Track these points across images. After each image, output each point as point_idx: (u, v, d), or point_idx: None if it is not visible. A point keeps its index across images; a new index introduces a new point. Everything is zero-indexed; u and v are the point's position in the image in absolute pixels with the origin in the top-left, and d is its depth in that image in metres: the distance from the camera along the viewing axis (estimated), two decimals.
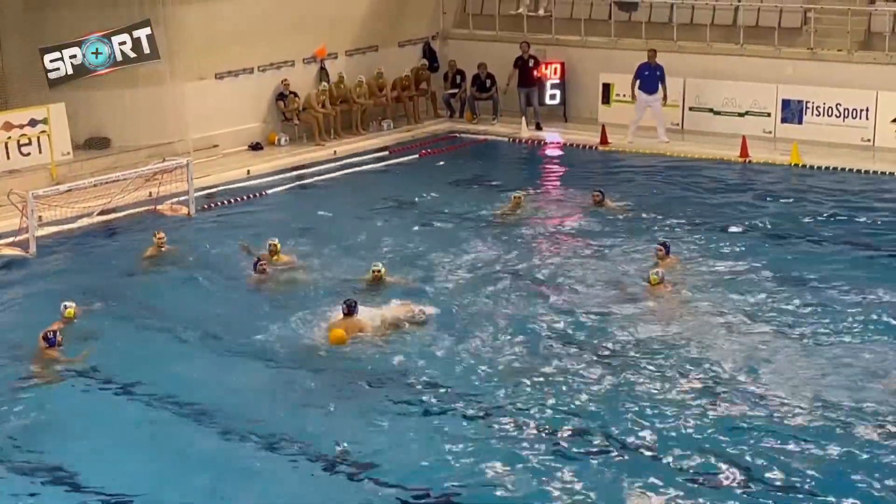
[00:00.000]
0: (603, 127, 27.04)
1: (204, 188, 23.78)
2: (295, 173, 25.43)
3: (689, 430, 13.88)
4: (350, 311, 16.64)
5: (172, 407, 14.87)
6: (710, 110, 26.98)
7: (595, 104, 28.38)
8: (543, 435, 13.92)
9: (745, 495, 12.58)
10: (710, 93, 26.92)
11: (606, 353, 16.05)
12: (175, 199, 22.88)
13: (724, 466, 13.08)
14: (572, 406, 14.59)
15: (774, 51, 26.51)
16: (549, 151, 27.22)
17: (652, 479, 12.85)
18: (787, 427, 13.88)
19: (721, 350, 15.97)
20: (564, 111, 28.86)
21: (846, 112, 25.45)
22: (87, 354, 16.19)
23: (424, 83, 29.52)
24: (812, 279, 18.31)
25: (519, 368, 15.66)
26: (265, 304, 18.07)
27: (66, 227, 21.73)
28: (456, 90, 29.39)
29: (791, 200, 22.63)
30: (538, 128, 28.08)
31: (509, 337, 16.58)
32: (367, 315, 16.86)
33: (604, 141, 26.78)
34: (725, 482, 12.82)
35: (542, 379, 15.30)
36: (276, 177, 25.12)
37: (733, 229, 20.92)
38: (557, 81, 28.66)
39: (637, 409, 14.41)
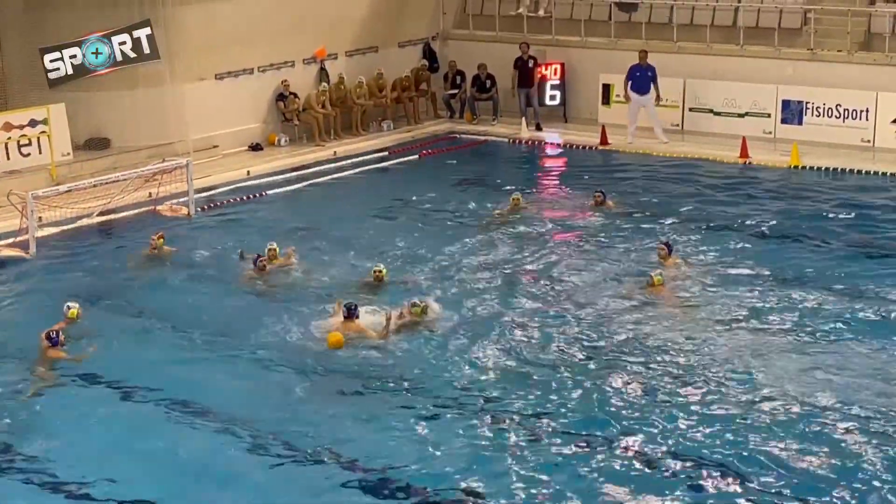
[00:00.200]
0: (603, 127, 27.04)
1: (204, 189, 23.77)
2: (295, 174, 25.42)
3: (690, 430, 13.88)
4: (350, 314, 16.63)
5: (171, 407, 14.87)
6: (710, 111, 26.98)
7: (595, 105, 28.39)
8: (543, 435, 13.91)
9: (744, 495, 12.58)
10: (710, 93, 26.92)
11: (606, 353, 16.05)
12: (175, 200, 22.88)
13: (722, 466, 13.08)
14: (572, 406, 14.59)
15: (774, 51, 26.52)
16: (549, 152, 27.22)
17: (651, 479, 12.87)
18: (785, 427, 13.88)
19: (720, 350, 15.97)
20: (564, 112, 28.86)
21: (846, 113, 25.45)
22: (88, 356, 16.18)
23: (424, 84, 29.52)
24: (812, 280, 18.31)
25: (519, 369, 15.66)
26: (264, 306, 18.06)
27: (65, 227, 21.72)
28: (456, 91, 29.39)
29: (791, 201, 22.62)
30: (538, 128, 28.08)
31: (509, 337, 16.57)
32: (368, 317, 16.85)
33: (604, 141, 26.78)
34: (725, 482, 12.82)
35: (541, 379, 15.30)
36: (275, 177, 25.10)
37: (733, 230, 20.91)
38: (557, 82, 28.66)
39: (637, 409, 14.42)
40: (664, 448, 13.52)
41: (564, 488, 12.80)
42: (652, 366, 15.58)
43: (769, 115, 26.29)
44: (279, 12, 27.21)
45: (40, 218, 21.21)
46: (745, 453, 13.33)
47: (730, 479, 12.87)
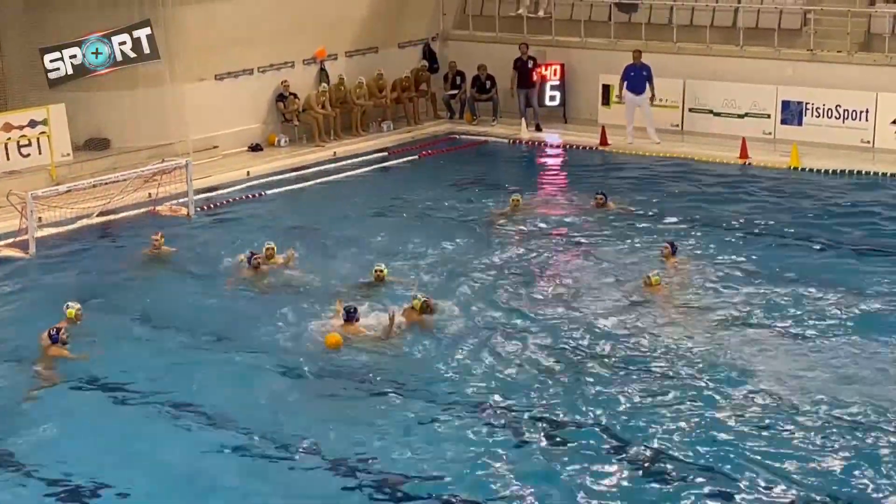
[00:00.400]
0: (602, 128, 27.05)
1: (204, 189, 23.77)
2: (295, 174, 25.43)
3: (688, 431, 13.88)
4: (349, 317, 16.64)
5: (170, 407, 14.87)
6: (710, 111, 26.98)
7: (595, 105, 28.40)
8: (542, 435, 13.92)
9: (741, 495, 12.59)
10: (709, 94, 26.93)
11: (605, 353, 16.05)
12: (175, 201, 22.88)
13: (721, 466, 13.10)
14: (571, 406, 14.58)
15: (774, 52, 26.52)
16: (549, 152, 27.22)
17: (650, 479, 12.87)
18: (783, 427, 13.88)
19: (719, 350, 15.97)
20: (564, 112, 28.87)
21: (846, 113, 25.45)
22: (87, 356, 16.18)
23: (424, 84, 29.53)
24: (811, 281, 18.29)
25: (518, 369, 15.65)
26: (264, 306, 18.05)
27: (65, 228, 21.72)
28: (456, 91, 29.40)
29: (790, 202, 22.61)
30: (538, 129, 28.08)
31: (508, 338, 16.57)
32: (369, 318, 16.86)
33: (603, 142, 26.79)
34: (723, 482, 12.83)
35: (541, 379, 15.31)
36: (275, 178, 25.11)
37: (733, 230, 20.92)
38: (557, 83, 28.67)
39: (636, 409, 14.42)
40: (662, 448, 13.52)
41: (564, 488, 12.80)
42: (650, 366, 15.58)
43: (769, 116, 26.30)
44: (279, 13, 27.22)
45: (40, 218, 21.22)
46: (743, 453, 13.33)
47: (728, 479, 12.88)
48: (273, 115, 27.52)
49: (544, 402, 14.73)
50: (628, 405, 14.55)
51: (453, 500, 12.66)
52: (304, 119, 27.53)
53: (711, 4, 27.61)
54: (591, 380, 15.27)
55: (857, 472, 12.92)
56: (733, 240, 20.38)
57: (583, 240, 20.72)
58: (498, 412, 14.48)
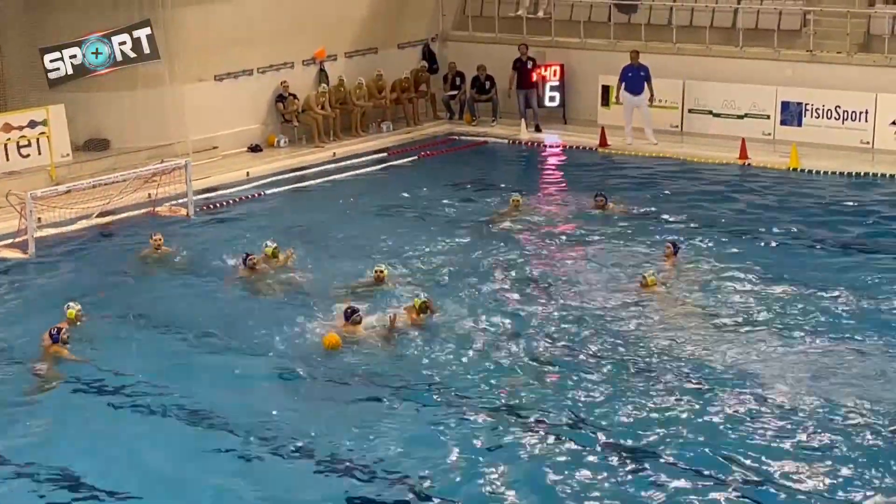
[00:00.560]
0: (602, 129, 27.05)
1: (203, 190, 23.77)
2: (294, 175, 25.42)
3: (686, 431, 13.90)
4: (347, 318, 16.63)
5: (170, 408, 14.88)
6: (710, 112, 26.98)
7: (594, 106, 28.38)
8: (540, 435, 13.92)
9: (738, 494, 12.59)
10: (709, 95, 26.92)
11: (604, 353, 16.06)
12: (174, 202, 22.87)
13: (717, 466, 13.11)
14: (569, 406, 14.60)
15: (774, 53, 26.52)
16: (549, 153, 27.22)
17: (648, 478, 12.88)
18: (780, 427, 13.90)
19: (717, 351, 15.98)
20: (564, 113, 28.86)
21: (845, 114, 25.44)
22: (88, 360, 16.18)
23: (424, 85, 29.52)
24: (810, 281, 18.29)
25: (517, 369, 15.66)
26: (263, 306, 18.07)
27: (64, 228, 21.71)
28: (455, 92, 29.39)
29: (790, 203, 22.61)
30: (537, 130, 28.08)
31: (508, 338, 16.59)
32: (367, 318, 16.87)
33: (603, 143, 26.79)
34: (719, 482, 12.83)
35: (540, 380, 15.33)
36: (275, 178, 25.11)
37: (732, 231, 20.91)
38: (557, 83, 28.66)
39: (633, 409, 14.43)
40: (660, 447, 13.53)
41: (563, 488, 12.81)
42: (649, 366, 15.59)
43: (768, 117, 26.29)
44: (279, 13, 27.22)
45: (39, 219, 21.23)
46: (741, 453, 13.34)
47: (725, 479, 12.89)
48: (272, 116, 27.52)
49: (542, 401, 14.73)
50: (626, 405, 14.54)
51: (452, 499, 12.67)
52: (304, 120, 27.53)
53: (711, 5, 27.62)
54: (590, 380, 15.27)
55: (856, 474, 12.93)
56: (733, 240, 20.38)
57: (582, 240, 20.73)
58: (496, 411, 14.51)
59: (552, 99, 28.73)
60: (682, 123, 27.31)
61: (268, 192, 24.27)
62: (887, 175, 23.78)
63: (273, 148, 27.21)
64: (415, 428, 14.22)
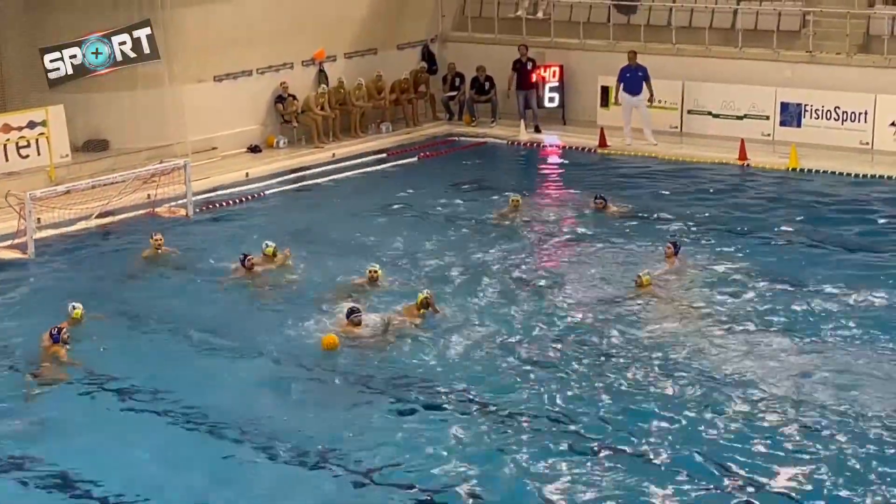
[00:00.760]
0: (601, 129, 27.04)
1: (203, 191, 23.76)
2: (293, 176, 25.42)
3: (683, 431, 13.92)
4: (349, 318, 16.64)
5: (169, 408, 14.89)
6: (709, 113, 26.97)
7: (594, 107, 28.38)
8: (538, 435, 13.93)
9: (735, 494, 12.60)
10: (708, 96, 26.92)
11: (602, 354, 16.09)
12: (173, 203, 22.87)
13: (713, 466, 13.13)
14: (568, 406, 14.61)
15: (773, 54, 26.52)
16: (548, 154, 27.21)
17: (645, 479, 12.89)
18: (776, 427, 13.93)
19: (716, 351, 16.00)
20: (563, 114, 28.85)
21: (845, 115, 25.44)
22: (80, 364, 16.18)
23: (423, 86, 29.51)
24: (809, 282, 18.32)
25: (515, 370, 15.66)
26: (262, 307, 18.09)
27: (64, 229, 21.70)
28: (455, 93, 29.38)
29: (789, 203, 22.61)
30: (537, 130, 28.07)
31: (506, 339, 16.60)
32: (367, 319, 16.87)
33: (602, 143, 26.79)
34: (715, 482, 12.84)
35: (538, 380, 15.34)
36: (274, 179, 25.10)
37: (731, 232, 20.92)
38: (556, 84, 28.66)
39: (631, 409, 14.47)
40: (656, 447, 13.54)
41: (561, 487, 12.81)
42: (646, 366, 15.61)
43: (768, 118, 26.29)
44: (278, 14, 27.21)
45: (39, 219, 21.24)
46: (738, 454, 13.36)
47: (721, 478, 12.90)
48: (272, 117, 27.50)
49: (540, 401, 14.75)
50: (625, 406, 14.58)
51: (450, 499, 12.67)
52: (303, 120, 27.53)
53: (710, 6, 27.62)
54: (588, 381, 15.29)
55: (855, 474, 12.93)
56: (732, 241, 20.38)
57: (581, 241, 20.74)
58: (495, 412, 14.50)
59: (551, 100, 28.71)
60: (681, 124, 27.30)
61: (267, 192, 24.26)
62: (886, 176, 23.77)
63: (272, 149, 27.20)
64: (413, 429, 14.21)
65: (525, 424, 14.20)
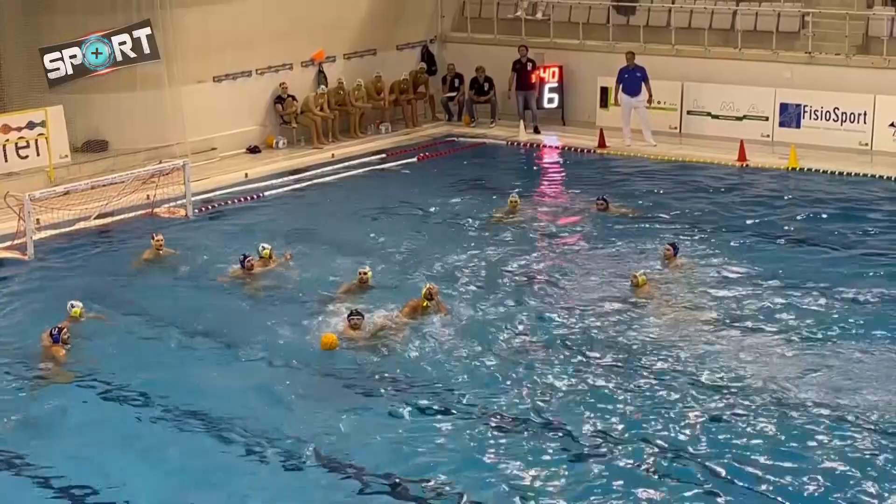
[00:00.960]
0: (601, 130, 27.04)
1: (202, 191, 23.75)
2: (293, 176, 25.42)
3: (680, 431, 13.92)
4: (350, 319, 16.64)
5: (169, 408, 14.90)
6: (708, 114, 26.98)
7: (593, 107, 28.40)
8: (536, 435, 13.94)
9: (731, 494, 12.60)
10: (707, 96, 26.93)
11: (600, 354, 16.08)
12: (173, 203, 22.87)
13: (710, 466, 13.14)
14: (566, 406, 14.62)
15: (772, 55, 26.53)
16: (547, 155, 27.22)
17: (642, 479, 12.91)
18: (774, 426, 13.94)
19: (715, 351, 16.01)
20: (562, 114, 28.86)
21: (844, 116, 25.45)
22: (81, 365, 16.20)
23: (422, 86, 29.51)
24: (809, 282, 18.31)
25: (513, 371, 15.66)
26: (261, 308, 18.09)
27: (63, 229, 21.70)
28: (454, 93, 29.38)
29: (789, 204, 22.63)
30: (536, 131, 28.07)
31: (505, 339, 16.61)
32: (367, 320, 16.88)
33: (602, 144, 26.79)
34: (714, 481, 12.87)
35: (537, 380, 15.34)
36: (273, 180, 25.10)
37: (730, 233, 20.92)
38: (555, 85, 28.67)
39: (630, 410, 14.47)
40: (653, 447, 13.55)
41: (560, 486, 12.81)
42: (645, 366, 15.62)
43: (767, 119, 26.31)
44: (277, 15, 27.21)
45: (38, 220, 21.24)
46: (736, 454, 13.36)
47: (718, 478, 12.92)
48: (271, 117, 27.51)
49: (540, 401, 14.76)
50: (622, 406, 14.58)
51: (447, 497, 12.68)
52: (303, 121, 27.53)
53: (709, 7, 27.63)
54: (586, 381, 15.29)
55: (854, 476, 12.94)
56: (731, 242, 20.38)
57: (579, 242, 20.75)
58: (493, 412, 14.51)
59: (551, 100, 28.72)
60: (680, 125, 27.31)
61: (266, 193, 24.26)
62: (885, 177, 23.78)
63: (272, 149, 27.20)
64: (411, 429, 14.21)
65: (524, 425, 14.21)
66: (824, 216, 21.79)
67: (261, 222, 22.36)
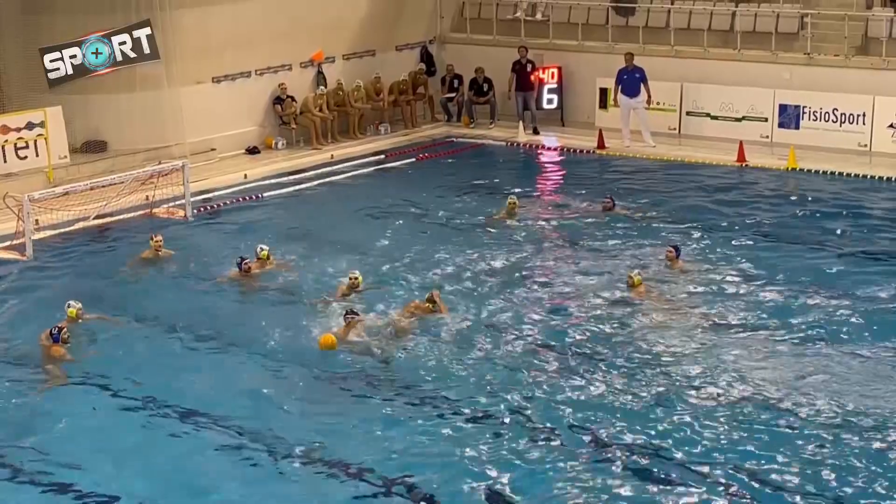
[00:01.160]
0: (600, 131, 27.05)
1: (201, 192, 23.76)
2: (292, 177, 25.42)
3: (681, 432, 13.93)
4: (347, 320, 16.65)
5: (168, 408, 14.91)
6: (708, 115, 27.00)
7: (592, 108, 28.42)
8: (534, 435, 13.94)
9: (729, 494, 12.61)
10: (707, 97, 26.94)
11: (599, 355, 16.08)
12: (172, 203, 22.87)
13: (707, 467, 13.16)
14: (565, 407, 14.62)
15: (771, 56, 26.54)
16: (546, 155, 27.22)
17: (640, 479, 12.92)
18: (777, 429, 13.93)
19: (714, 351, 16.02)
20: (562, 115, 28.87)
21: (843, 117, 25.47)
22: (80, 364, 16.20)
23: (422, 87, 29.53)
24: (808, 283, 18.33)
25: (511, 372, 15.67)
26: (260, 308, 18.09)
27: (62, 230, 21.70)
28: (453, 94, 29.39)
29: (788, 205, 22.63)
30: (535, 132, 28.09)
31: (503, 340, 16.61)
32: (366, 320, 16.89)
33: (601, 145, 26.80)
34: (712, 481, 12.86)
35: (536, 380, 15.35)
36: (272, 181, 25.10)
37: (730, 233, 20.93)
38: (555, 86, 28.68)
39: (626, 410, 14.49)
40: (654, 449, 13.56)
41: (560, 487, 12.82)
42: (644, 367, 15.62)
43: (766, 120, 26.32)
44: (276, 16, 27.22)
45: (37, 221, 21.23)
46: (735, 455, 13.37)
47: (714, 479, 12.92)
48: (270, 118, 27.51)
49: (538, 401, 14.76)
50: (621, 406, 14.59)
51: (446, 497, 12.68)
52: (302, 122, 27.54)
53: (709, 8, 27.65)
54: (584, 381, 15.29)
55: (854, 476, 12.94)
56: (731, 242, 20.38)
57: (578, 242, 20.74)
58: (492, 412, 14.52)
59: (550, 101, 28.74)
60: (679, 126, 27.32)
61: (265, 194, 24.26)
62: (884, 177, 23.79)
63: (271, 150, 27.20)
64: (410, 430, 14.21)
65: (521, 425, 14.20)
66: (824, 217, 21.79)
67: (260, 223, 22.35)
